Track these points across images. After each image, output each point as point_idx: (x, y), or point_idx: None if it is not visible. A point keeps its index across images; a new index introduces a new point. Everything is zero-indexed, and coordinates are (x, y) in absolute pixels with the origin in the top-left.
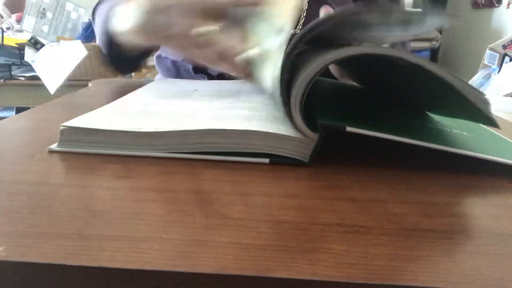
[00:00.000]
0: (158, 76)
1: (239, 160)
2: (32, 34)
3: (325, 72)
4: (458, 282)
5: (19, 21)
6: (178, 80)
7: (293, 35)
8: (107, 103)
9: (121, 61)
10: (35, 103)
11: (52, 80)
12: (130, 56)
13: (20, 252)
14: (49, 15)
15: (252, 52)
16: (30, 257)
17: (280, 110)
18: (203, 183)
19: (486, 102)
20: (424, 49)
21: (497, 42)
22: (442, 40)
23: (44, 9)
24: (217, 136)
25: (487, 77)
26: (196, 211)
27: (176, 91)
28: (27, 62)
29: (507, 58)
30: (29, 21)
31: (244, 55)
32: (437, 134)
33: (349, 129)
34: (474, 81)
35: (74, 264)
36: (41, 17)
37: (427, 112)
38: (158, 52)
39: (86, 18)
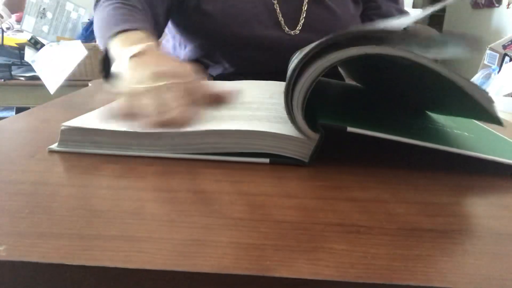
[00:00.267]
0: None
1: (239, 160)
2: (32, 34)
3: (328, 71)
4: (458, 281)
5: (19, 21)
6: None
7: (292, 35)
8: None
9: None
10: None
11: (52, 80)
12: None
13: (20, 252)
14: (49, 15)
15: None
16: (30, 257)
17: (280, 110)
18: (203, 183)
19: (489, 100)
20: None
21: (497, 42)
22: None
23: (44, 9)
24: (217, 136)
25: (487, 77)
26: (196, 211)
27: None
28: (27, 62)
29: (507, 58)
30: (29, 21)
31: None
32: (438, 134)
33: (350, 129)
34: (474, 81)
35: (74, 264)
36: (41, 17)
37: (428, 112)
38: None
39: (86, 18)
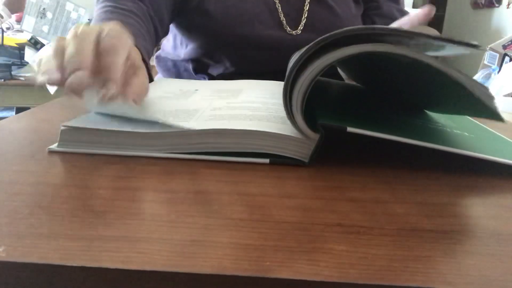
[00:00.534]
0: (158, 76)
1: (239, 160)
2: (32, 34)
3: (328, 71)
4: (458, 282)
5: (19, 21)
6: (178, 80)
7: (294, 35)
8: None
9: None
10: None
11: None
12: None
13: (19, 252)
14: (49, 15)
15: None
16: (30, 257)
17: (280, 110)
18: (203, 183)
19: (490, 96)
20: None
21: (497, 42)
22: None
23: (44, 9)
24: (217, 136)
25: (487, 77)
26: (196, 211)
27: (177, 91)
28: (27, 62)
29: (507, 58)
30: (29, 21)
31: None
32: (438, 134)
33: (349, 129)
34: None
35: (74, 264)
36: (41, 17)
37: (428, 112)
38: (158, 52)
39: (86, 18)
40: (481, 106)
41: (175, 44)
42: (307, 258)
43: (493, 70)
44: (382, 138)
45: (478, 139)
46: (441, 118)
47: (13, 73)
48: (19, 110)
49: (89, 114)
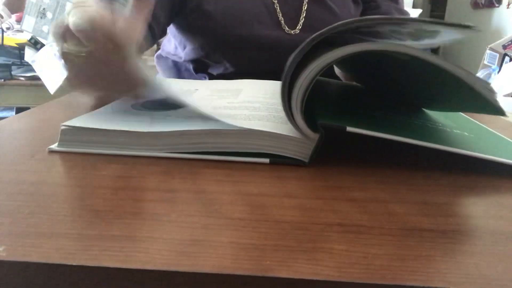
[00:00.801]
0: (159, 76)
1: (239, 160)
2: (32, 34)
3: (327, 71)
4: (458, 282)
5: (19, 21)
6: (178, 80)
7: (292, 35)
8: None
9: None
10: (35, 103)
11: (52, 80)
12: None
13: (20, 252)
14: (49, 15)
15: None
16: (30, 257)
17: (280, 110)
18: (203, 183)
19: (491, 91)
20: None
21: (497, 42)
22: None
23: (44, 9)
24: (217, 136)
25: (487, 77)
26: (196, 211)
27: (177, 91)
28: (27, 62)
29: (507, 58)
30: (29, 21)
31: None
32: (437, 134)
33: (349, 129)
34: None
35: (74, 264)
36: (41, 17)
37: (427, 111)
38: (158, 52)
39: None
40: (482, 102)
41: (175, 44)
42: (307, 258)
43: (493, 70)
44: (382, 138)
45: (478, 139)
46: (440, 118)
47: (13, 73)
48: (19, 110)
49: (89, 114)
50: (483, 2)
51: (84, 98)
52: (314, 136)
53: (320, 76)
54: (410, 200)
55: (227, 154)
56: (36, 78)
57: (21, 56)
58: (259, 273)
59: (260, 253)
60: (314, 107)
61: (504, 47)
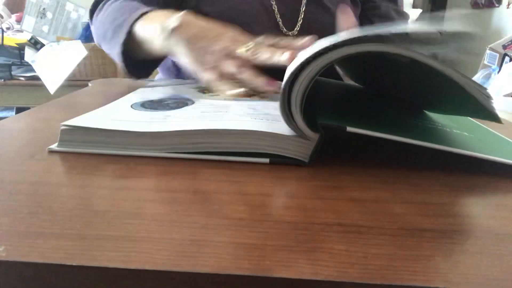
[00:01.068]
0: (159, 76)
1: (239, 160)
2: (32, 34)
3: (327, 71)
4: (458, 281)
5: (19, 21)
6: (157, 87)
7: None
8: (107, 103)
9: (138, 66)
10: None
11: (52, 80)
12: (147, 62)
13: (20, 252)
14: (49, 15)
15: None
16: (30, 257)
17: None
18: (203, 183)
19: (488, 97)
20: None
21: (497, 42)
22: None
23: (44, 9)
24: (217, 136)
25: (487, 77)
26: (196, 211)
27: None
28: (27, 62)
29: (507, 58)
30: (29, 21)
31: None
32: (437, 134)
33: (349, 129)
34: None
35: (74, 264)
36: (41, 17)
37: (427, 112)
38: None
39: (86, 18)
40: (479, 107)
41: None
42: (307, 258)
43: (493, 70)
44: (382, 138)
45: (478, 139)
46: (440, 118)
47: (13, 73)
48: (19, 110)
49: (89, 114)
50: (483, 2)
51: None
52: (314, 136)
53: (320, 75)
54: (410, 200)
55: (227, 154)
56: (36, 78)
57: (21, 56)
58: (259, 273)
59: (260, 253)
60: (314, 107)
61: (504, 47)
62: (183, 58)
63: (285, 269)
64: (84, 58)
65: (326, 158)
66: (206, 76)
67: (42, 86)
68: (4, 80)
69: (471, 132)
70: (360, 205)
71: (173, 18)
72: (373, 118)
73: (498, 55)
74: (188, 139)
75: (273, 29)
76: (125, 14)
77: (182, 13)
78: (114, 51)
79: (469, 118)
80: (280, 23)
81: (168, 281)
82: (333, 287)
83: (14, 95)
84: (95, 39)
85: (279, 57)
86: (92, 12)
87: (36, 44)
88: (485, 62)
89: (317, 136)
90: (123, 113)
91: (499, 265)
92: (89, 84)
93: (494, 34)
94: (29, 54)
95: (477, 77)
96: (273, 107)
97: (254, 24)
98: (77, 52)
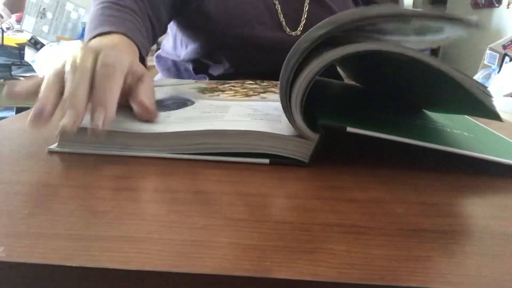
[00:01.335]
0: (159, 76)
1: (239, 160)
2: (32, 34)
3: (327, 71)
4: (458, 282)
5: (19, 21)
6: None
7: (293, 36)
8: None
9: None
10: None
11: None
12: None
13: (20, 252)
14: (49, 15)
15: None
16: (30, 257)
17: (280, 110)
18: (203, 183)
19: (488, 95)
20: (425, 49)
21: (497, 42)
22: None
23: (44, 9)
24: (217, 136)
25: (487, 77)
26: (196, 211)
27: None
28: (27, 62)
29: (507, 58)
30: (29, 21)
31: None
32: (437, 134)
33: (349, 129)
34: None
35: (74, 264)
36: (41, 17)
37: (427, 112)
38: (158, 52)
39: (86, 18)
40: (479, 105)
41: (175, 45)
42: (307, 258)
43: (493, 70)
44: (382, 138)
45: (478, 139)
46: (440, 118)
47: (13, 73)
48: (19, 110)
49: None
50: (483, 2)
51: None
52: (314, 136)
53: (321, 75)
54: (410, 200)
55: (227, 155)
56: None
57: (21, 56)
58: (259, 274)
59: (260, 253)
60: (314, 107)
61: (504, 47)
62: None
63: (285, 269)
64: None
65: (326, 158)
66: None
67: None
68: (4, 80)
69: (471, 132)
70: (360, 205)
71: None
72: (373, 118)
73: (498, 55)
74: (188, 140)
75: (276, 29)
76: (90, 28)
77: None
78: None
79: (469, 118)
80: (283, 23)
81: (168, 282)
82: (333, 287)
83: None
84: None
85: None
86: None
87: (36, 44)
88: (485, 62)
89: (317, 136)
90: (124, 114)
91: (499, 265)
92: None
93: (494, 34)
94: (29, 54)
95: (477, 77)
96: (273, 108)
97: (257, 24)
98: None
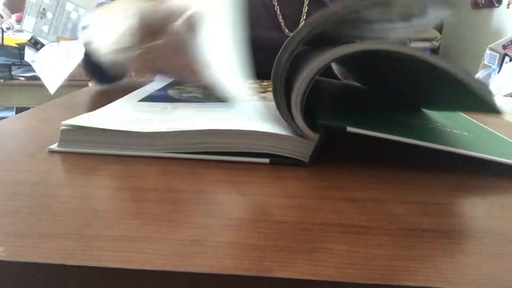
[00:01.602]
0: (159, 76)
1: (239, 160)
2: (32, 34)
3: (327, 71)
4: (458, 282)
5: (19, 21)
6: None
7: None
8: (107, 103)
9: (101, 72)
10: (35, 103)
11: (52, 80)
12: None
13: (20, 252)
14: (49, 15)
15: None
16: (30, 257)
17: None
18: (203, 183)
19: (488, 91)
20: (424, 49)
21: (497, 42)
22: (442, 40)
23: (44, 9)
24: (217, 136)
25: (487, 77)
26: (196, 211)
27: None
28: (27, 62)
29: (507, 58)
30: (29, 21)
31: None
32: (437, 134)
33: (349, 129)
34: None
35: (74, 264)
36: (41, 17)
37: (427, 111)
38: None
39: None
40: (480, 100)
41: None
42: (307, 258)
43: (493, 70)
44: (382, 138)
45: (478, 139)
46: (440, 118)
47: (13, 73)
48: (19, 110)
49: (89, 114)
50: (483, 2)
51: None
52: (315, 136)
53: (321, 75)
54: (410, 200)
55: (227, 154)
56: (36, 78)
57: (21, 56)
58: (259, 274)
59: (260, 253)
60: (314, 107)
61: (504, 47)
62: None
63: (285, 269)
64: None
65: (326, 158)
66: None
67: (42, 86)
68: (4, 80)
69: (471, 132)
70: (360, 205)
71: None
72: (373, 118)
73: (498, 55)
74: (188, 139)
75: (275, 30)
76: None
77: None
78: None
79: (469, 118)
80: (282, 24)
81: (168, 281)
82: (333, 287)
83: (14, 95)
84: None
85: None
86: None
87: (36, 44)
88: (485, 62)
89: (317, 136)
90: (124, 112)
91: (499, 265)
92: (89, 84)
93: (494, 34)
94: (29, 54)
95: (477, 77)
96: (274, 107)
97: (255, 25)
98: (77, 52)
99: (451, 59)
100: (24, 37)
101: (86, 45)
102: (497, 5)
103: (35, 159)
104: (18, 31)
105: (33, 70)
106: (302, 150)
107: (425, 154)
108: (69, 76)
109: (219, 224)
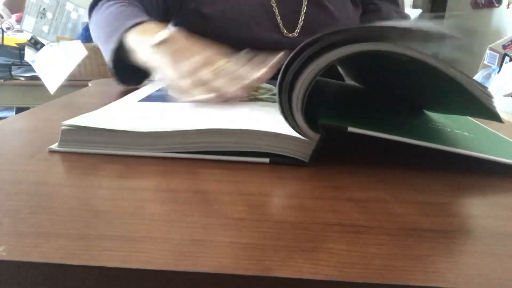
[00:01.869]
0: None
1: (239, 160)
2: (32, 34)
3: (328, 71)
4: (458, 281)
5: (19, 21)
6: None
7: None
8: (107, 103)
9: (129, 73)
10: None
11: (52, 80)
12: (138, 70)
13: (20, 252)
14: (49, 15)
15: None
16: (30, 257)
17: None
18: (203, 183)
19: (489, 96)
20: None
21: (497, 42)
22: None
23: (44, 9)
24: (217, 135)
25: (487, 77)
26: (196, 211)
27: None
28: (27, 62)
29: (507, 58)
30: (29, 21)
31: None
32: (438, 134)
33: (350, 129)
34: None
35: (74, 264)
36: (41, 17)
37: (427, 112)
38: None
39: (86, 18)
40: (480, 106)
41: None
42: (307, 258)
43: (493, 70)
44: (382, 138)
45: (478, 139)
46: (441, 118)
47: (13, 73)
48: (19, 110)
49: (89, 114)
50: (483, 2)
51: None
52: (315, 136)
53: (321, 75)
54: (410, 200)
55: (227, 154)
56: (36, 78)
57: (21, 56)
58: (258, 273)
59: (259, 253)
60: (315, 107)
61: (504, 47)
62: (164, 71)
63: (285, 269)
64: (84, 58)
65: (326, 158)
66: (183, 83)
67: (42, 86)
68: (4, 80)
69: (471, 132)
70: (360, 205)
71: (161, 33)
72: (373, 118)
73: (498, 55)
74: (188, 139)
75: (274, 31)
76: (120, 20)
77: (171, 29)
78: (106, 55)
79: (469, 118)
80: (281, 24)
81: (168, 281)
82: (333, 287)
83: (14, 95)
84: (92, 37)
85: (257, 74)
86: (91, 8)
87: (36, 44)
88: (485, 62)
89: (318, 136)
90: (124, 112)
91: (499, 265)
92: (89, 84)
93: (494, 34)
94: (29, 54)
95: (477, 77)
96: (274, 107)
97: (254, 25)
98: (77, 52)
99: (451, 60)
100: (24, 37)
101: (121, 50)
102: (497, 5)
103: (35, 159)
104: (18, 31)
105: (33, 70)
106: (302, 150)
107: (425, 154)
108: (69, 76)
109: (219, 224)
